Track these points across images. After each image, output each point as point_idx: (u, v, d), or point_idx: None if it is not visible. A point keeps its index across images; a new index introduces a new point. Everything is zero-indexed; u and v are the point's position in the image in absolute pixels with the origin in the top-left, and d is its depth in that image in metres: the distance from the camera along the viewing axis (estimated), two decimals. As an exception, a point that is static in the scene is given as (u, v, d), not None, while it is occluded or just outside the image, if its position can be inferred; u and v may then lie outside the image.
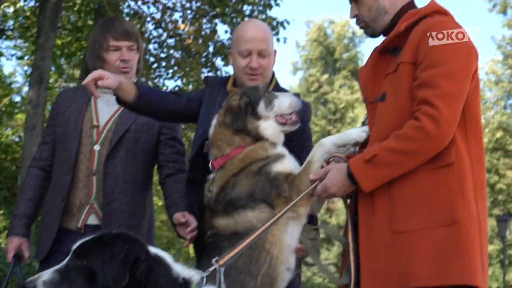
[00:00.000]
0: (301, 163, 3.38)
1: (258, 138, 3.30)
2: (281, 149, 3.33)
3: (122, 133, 3.81)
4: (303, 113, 3.60)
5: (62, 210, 3.73)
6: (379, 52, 3.14)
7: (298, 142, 3.60)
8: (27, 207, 3.88)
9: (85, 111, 3.89)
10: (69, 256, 2.46)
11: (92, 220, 3.75)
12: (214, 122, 3.41)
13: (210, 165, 3.34)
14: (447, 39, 2.90)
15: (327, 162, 3.19)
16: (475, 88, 2.95)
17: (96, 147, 3.80)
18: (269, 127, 3.32)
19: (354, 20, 3.32)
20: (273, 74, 3.82)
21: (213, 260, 2.66)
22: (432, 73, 2.84)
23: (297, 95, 3.50)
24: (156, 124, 3.90)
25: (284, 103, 3.37)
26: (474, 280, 2.72)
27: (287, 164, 3.25)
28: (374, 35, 3.25)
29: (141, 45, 4.04)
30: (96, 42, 3.92)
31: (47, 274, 2.41)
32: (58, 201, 3.76)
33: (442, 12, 3.05)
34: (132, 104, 3.46)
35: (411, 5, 3.19)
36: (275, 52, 3.79)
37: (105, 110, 3.91)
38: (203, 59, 14.63)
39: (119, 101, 3.48)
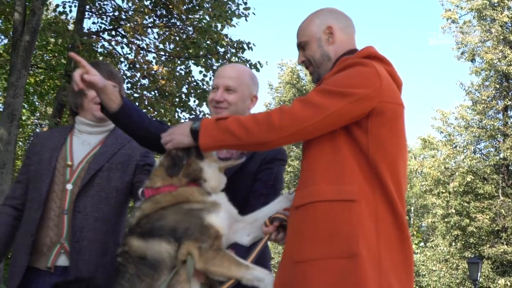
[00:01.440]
0: (259, 203, 3.46)
1: (195, 180, 3.28)
2: (217, 197, 3.29)
3: (94, 172, 3.78)
4: (273, 153, 3.67)
5: (31, 246, 3.67)
6: None
7: (263, 181, 3.66)
8: None
9: (59, 150, 3.87)
10: None
11: (62, 261, 3.69)
12: (157, 161, 3.41)
13: (140, 192, 3.30)
14: (347, 72, 2.98)
15: (270, 221, 3.23)
16: (388, 129, 2.97)
17: (69, 186, 3.77)
18: (210, 171, 3.29)
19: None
20: None
21: None
22: (313, 89, 2.99)
23: None
24: (131, 163, 3.91)
25: None
26: None
27: (222, 219, 3.18)
28: (319, 80, 3.28)
29: (123, 90, 4.08)
30: None
31: None
32: (27, 238, 3.70)
33: (373, 57, 3.09)
34: (114, 113, 3.41)
35: (352, 52, 3.24)
36: (255, 96, 3.88)
37: (80, 150, 3.90)
38: (177, 100, 14.68)
39: (102, 108, 3.46)
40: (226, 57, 14.54)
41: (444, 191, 30.73)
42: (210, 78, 14.74)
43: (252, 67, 14.30)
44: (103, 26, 15.13)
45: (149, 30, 14.90)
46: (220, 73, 3.85)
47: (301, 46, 3.34)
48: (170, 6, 14.54)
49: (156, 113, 13.78)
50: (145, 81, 14.34)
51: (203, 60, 14.62)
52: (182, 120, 14.50)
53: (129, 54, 14.76)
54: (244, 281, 3.03)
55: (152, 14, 14.78)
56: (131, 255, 3.11)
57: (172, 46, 14.98)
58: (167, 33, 14.92)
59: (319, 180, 2.93)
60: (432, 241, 34.06)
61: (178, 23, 14.93)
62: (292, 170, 36.94)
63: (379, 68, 2.97)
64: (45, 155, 3.88)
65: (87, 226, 3.71)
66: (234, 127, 2.94)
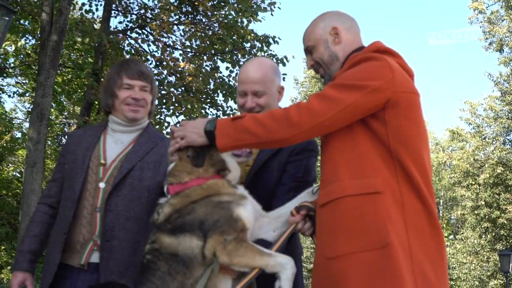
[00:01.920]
0: (287, 197, 3.46)
1: (221, 170, 3.30)
2: (243, 191, 3.32)
3: (126, 171, 3.81)
4: (303, 144, 3.65)
5: (64, 244, 3.72)
6: None
7: (291, 174, 3.66)
8: (32, 243, 3.90)
9: (93, 149, 3.92)
10: None
11: (96, 258, 3.72)
12: (175, 157, 3.36)
13: (165, 189, 3.31)
14: (359, 67, 3.03)
15: (297, 210, 3.27)
16: (406, 118, 3.00)
17: (101, 185, 3.80)
18: (231, 162, 3.34)
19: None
20: None
21: None
22: (327, 85, 3.04)
23: None
24: (163, 163, 3.91)
25: None
26: None
27: (250, 212, 3.20)
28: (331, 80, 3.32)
29: (155, 88, 4.10)
30: (111, 80, 3.99)
31: None
32: (60, 235, 3.75)
33: (383, 51, 3.14)
34: None
35: (360, 49, 3.29)
36: (281, 88, 3.91)
37: (113, 148, 3.94)
38: (204, 96, 14.71)
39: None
40: (253, 52, 14.53)
41: (473, 183, 30.48)
42: (236, 74, 14.75)
43: (279, 61, 14.28)
44: (129, 24, 15.20)
45: (175, 27, 14.95)
46: (244, 77, 3.81)
47: (309, 50, 3.40)
48: (196, 3, 14.57)
49: (183, 109, 13.82)
50: (172, 78, 14.38)
51: (229, 56, 14.63)
52: (210, 117, 14.54)
53: (155, 51, 14.83)
54: (268, 269, 3.05)
55: (178, 12, 14.82)
56: (162, 252, 3.10)
57: (198, 42, 15.00)
58: (193, 30, 14.95)
59: (342, 176, 2.98)
60: (462, 233, 33.81)
61: (204, 20, 14.95)
62: (319, 164, 36.84)
63: (390, 61, 3.02)
64: (79, 154, 3.92)
65: (118, 225, 3.74)
66: (252, 125, 2.98)
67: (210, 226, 3.06)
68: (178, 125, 14.45)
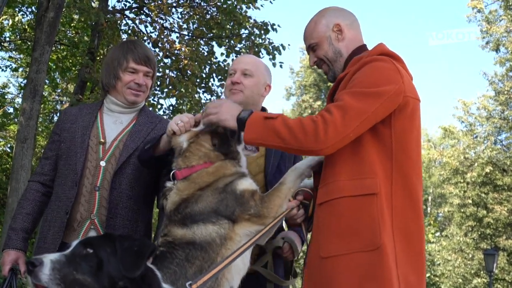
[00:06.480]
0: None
1: (232, 159, 3.37)
2: (244, 168, 3.43)
3: (132, 151, 3.84)
4: None
5: (65, 223, 3.73)
6: (329, 98, 3.30)
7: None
8: (25, 221, 3.88)
9: (91, 128, 3.92)
10: (74, 246, 2.54)
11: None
12: (185, 137, 3.42)
13: (171, 174, 3.35)
14: (369, 69, 3.06)
15: (293, 197, 3.36)
16: (410, 122, 3.06)
17: (102, 163, 3.82)
18: (243, 156, 3.44)
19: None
20: (263, 108, 4.06)
21: (187, 284, 2.67)
22: (343, 92, 3.03)
23: None
24: None
25: None
26: None
27: (251, 182, 3.31)
28: (334, 78, 3.36)
29: (156, 74, 4.13)
30: (115, 60, 3.97)
31: (53, 255, 2.48)
32: (61, 215, 3.76)
33: (386, 55, 3.17)
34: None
35: (362, 48, 3.34)
36: (268, 86, 4.05)
37: (112, 128, 3.96)
38: (198, 80, 14.68)
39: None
40: (251, 38, 14.48)
41: (462, 181, 30.54)
42: (232, 60, 14.71)
43: (276, 50, 14.24)
44: (128, 4, 15.12)
45: (173, 9, 14.88)
46: (237, 60, 4.08)
47: (311, 47, 3.42)
48: (195, -14, 14.50)
49: (177, 92, 13.78)
50: (167, 61, 14.33)
51: (226, 41, 14.59)
52: (203, 101, 14.53)
53: (152, 33, 14.76)
54: (295, 186, 3.31)
55: (177, -6, 14.75)
56: (177, 243, 3.14)
57: (195, 26, 14.95)
58: (191, 13, 14.90)
59: (341, 176, 3.02)
60: (448, 230, 33.95)
61: (202, 3, 14.88)
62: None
63: (397, 64, 3.08)
64: (77, 132, 3.92)
65: (121, 203, 3.79)
66: (282, 129, 2.98)
67: (223, 212, 3.16)
68: (170, 107, 14.32)
